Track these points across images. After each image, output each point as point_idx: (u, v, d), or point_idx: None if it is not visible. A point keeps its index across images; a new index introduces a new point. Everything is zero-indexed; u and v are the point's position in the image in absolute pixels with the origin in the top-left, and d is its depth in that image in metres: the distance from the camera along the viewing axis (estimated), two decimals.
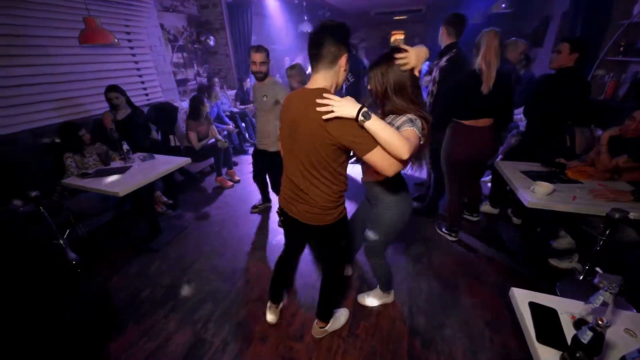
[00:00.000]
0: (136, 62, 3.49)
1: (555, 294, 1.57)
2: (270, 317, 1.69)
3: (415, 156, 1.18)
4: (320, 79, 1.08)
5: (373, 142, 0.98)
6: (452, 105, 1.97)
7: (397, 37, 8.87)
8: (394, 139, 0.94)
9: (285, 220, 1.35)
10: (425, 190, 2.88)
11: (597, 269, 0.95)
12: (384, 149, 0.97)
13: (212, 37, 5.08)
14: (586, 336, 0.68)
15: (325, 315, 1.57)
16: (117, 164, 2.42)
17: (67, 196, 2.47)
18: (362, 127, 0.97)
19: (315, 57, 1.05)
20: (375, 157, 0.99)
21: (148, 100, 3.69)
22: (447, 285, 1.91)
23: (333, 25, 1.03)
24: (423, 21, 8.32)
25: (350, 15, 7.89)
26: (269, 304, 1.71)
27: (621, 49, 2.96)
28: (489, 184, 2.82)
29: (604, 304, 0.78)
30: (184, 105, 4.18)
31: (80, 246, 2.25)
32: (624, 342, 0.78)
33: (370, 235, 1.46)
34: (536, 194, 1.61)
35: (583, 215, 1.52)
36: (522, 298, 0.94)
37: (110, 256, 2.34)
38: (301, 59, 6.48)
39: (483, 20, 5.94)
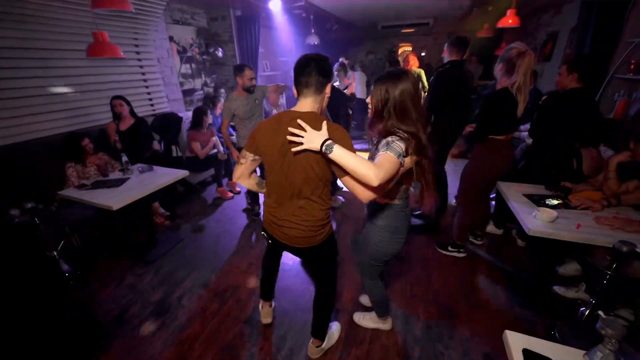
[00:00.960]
0: (143, 74, 3.56)
1: (554, 336, 1.49)
2: (265, 318, 1.76)
3: (404, 180, 1.20)
4: (309, 104, 1.14)
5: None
6: (491, 122, 1.95)
7: (405, 48, 8.89)
8: (359, 167, 0.95)
9: (273, 243, 1.34)
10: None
11: (600, 312, 0.87)
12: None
13: (220, 49, 5.19)
14: None
15: (321, 333, 1.54)
16: (116, 175, 2.44)
17: (65, 206, 2.50)
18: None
19: (305, 84, 1.11)
20: (347, 182, 1.07)
21: (153, 110, 3.75)
22: (445, 312, 1.82)
23: (320, 58, 1.12)
24: (430, 34, 8.33)
25: (357, 27, 7.97)
26: (261, 304, 1.77)
27: (632, 67, 2.87)
28: (493, 202, 2.74)
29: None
30: (188, 115, 4.24)
31: (75, 257, 2.25)
32: None
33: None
34: (538, 220, 1.53)
35: (588, 246, 1.43)
36: (516, 344, 0.87)
37: (103, 267, 2.33)
38: None
39: (492, 34, 5.92)
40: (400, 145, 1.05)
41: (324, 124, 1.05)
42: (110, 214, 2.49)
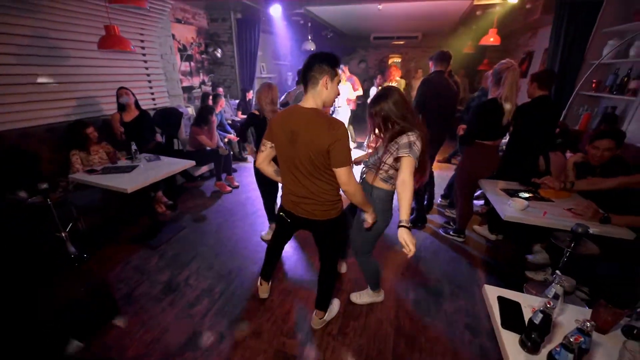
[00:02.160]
0: (147, 68, 3.65)
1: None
2: (262, 294, 1.93)
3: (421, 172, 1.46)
4: (310, 100, 1.29)
5: (348, 160, 1.23)
6: (480, 129, 2.23)
7: (394, 59, 9.33)
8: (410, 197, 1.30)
9: (292, 220, 1.51)
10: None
11: (557, 271, 1.10)
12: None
13: (219, 49, 5.35)
14: (537, 318, 0.82)
15: (324, 304, 1.71)
16: (123, 163, 2.53)
17: (71, 191, 2.55)
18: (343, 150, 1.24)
19: (305, 81, 1.28)
20: (340, 172, 1.25)
21: (155, 104, 3.84)
22: (432, 292, 2.04)
23: (320, 54, 1.26)
24: (419, 47, 8.81)
25: (351, 37, 8.33)
26: (260, 281, 1.93)
27: (593, 85, 3.28)
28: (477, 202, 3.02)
29: (556, 296, 0.93)
30: (187, 111, 4.34)
31: (81, 240, 2.32)
32: (571, 327, 0.92)
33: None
34: (512, 208, 1.79)
35: (553, 230, 1.70)
36: (492, 293, 1.09)
37: (109, 251, 2.41)
38: None
39: (475, 50, 6.40)
40: (418, 147, 1.33)
41: (328, 122, 1.21)
42: (116, 201, 2.60)
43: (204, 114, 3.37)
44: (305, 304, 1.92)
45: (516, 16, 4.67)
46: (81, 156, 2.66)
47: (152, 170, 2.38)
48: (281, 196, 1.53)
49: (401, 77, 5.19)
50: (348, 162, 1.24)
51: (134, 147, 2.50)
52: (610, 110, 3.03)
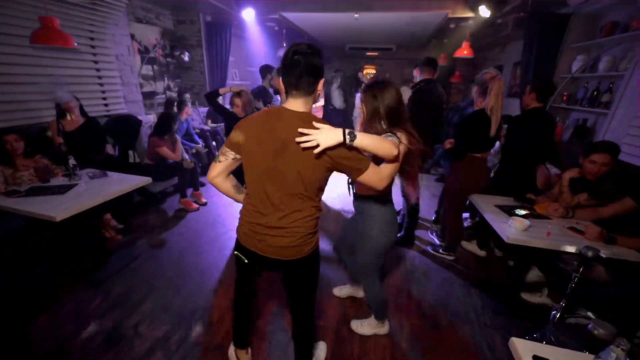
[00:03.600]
0: (98, 70, 3.19)
1: (536, 338, 1.56)
2: None
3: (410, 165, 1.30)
4: (301, 104, 1.04)
5: (365, 161, 1.03)
6: (470, 142, 2.09)
7: (369, 71, 9.42)
8: (382, 143, 1.04)
9: (252, 261, 1.17)
10: (401, 218, 2.87)
11: (590, 313, 0.91)
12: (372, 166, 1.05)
13: (187, 53, 4.94)
14: None
15: None
16: (59, 181, 2.08)
17: None
18: (352, 148, 1.00)
19: (294, 86, 1.00)
20: (368, 176, 1.04)
21: (107, 111, 3.36)
22: (428, 324, 1.82)
23: (309, 52, 0.98)
24: (394, 59, 8.97)
25: (327, 47, 8.27)
26: (234, 351, 1.48)
27: (565, 97, 3.37)
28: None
29: None
30: (149, 119, 3.88)
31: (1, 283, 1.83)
32: None
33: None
34: (513, 229, 1.63)
35: (557, 252, 1.56)
36: (524, 351, 0.87)
37: (38, 293, 1.92)
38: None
39: (447, 62, 6.56)
40: (405, 137, 1.21)
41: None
42: (48, 228, 2.11)
43: (164, 122, 2.97)
44: (286, 347, 1.60)
45: (488, 31, 4.81)
46: (4, 172, 2.15)
47: (95, 189, 1.95)
48: (238, 227, 1.19)
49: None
50: (367, 161, 1.04)
51: (72, 161, 2.06)
52: (582, 122, 3.10)
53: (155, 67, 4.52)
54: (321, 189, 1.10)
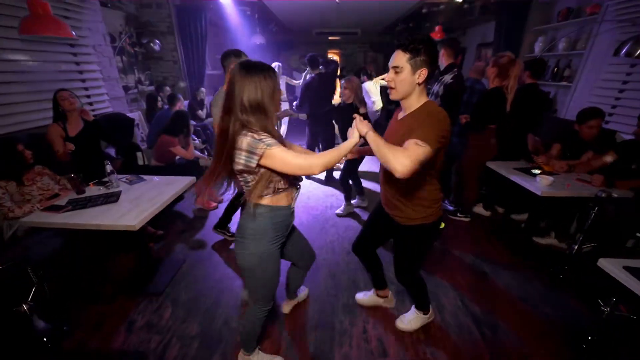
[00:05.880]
0: (77, 64, 2.78)
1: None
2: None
3: None
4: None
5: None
6: (489, 115, 2.35)
7: (334, 56, 9.52)
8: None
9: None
10: None
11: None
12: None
13: (157, 41, 4.46)
14: None
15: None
16: (94, 190, 1.86)
17: (8, 243, 1.76)
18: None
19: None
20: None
21: (92, 111, 2.96)
22: (476, 273, 2.14)
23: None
24: (356, 42, 9.19)
25: (294, 32, 8.10)
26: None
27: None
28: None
29: None
30: (137, 116, 3.51)
31: (46, 309, 1.62)
32: None
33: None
34: (540, 185, 1.99)
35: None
36: (615, 266, 1.17)
37: (92, 315, 1.75)
38: None
39: None
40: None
41: None
42: (82, 245, 1.91)
43: (181, 121, 2.75)
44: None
45: (454, 15, 5.25)
46: (10, 189, 1.85)
47: (147, 194, 1.80)
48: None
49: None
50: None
51: (109, 167, 1.85)
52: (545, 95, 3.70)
53: (124, 58, 4.02)
54: None
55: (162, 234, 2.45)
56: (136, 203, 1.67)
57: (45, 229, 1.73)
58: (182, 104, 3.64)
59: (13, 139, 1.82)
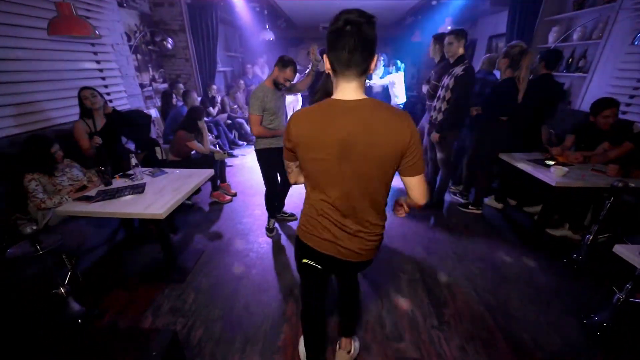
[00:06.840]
0: (98, 62, 2.88)
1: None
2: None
3: None
4: (356, 90, 0.88)
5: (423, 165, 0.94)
6: (502, 106, 2.34)
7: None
8: None
9: (324, 266, 1.10)
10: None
11: None
12: None
13: (169, 39, 4.56)
14: None
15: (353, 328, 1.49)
16: (119, 182, 1.96)
17: (42, 229, 1.86)
18: None
19: (346, 62, 0.84)
20: (419, 180, 0.95)
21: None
22: (490, 265, 2.16)
23: (363, 21, 0.80)
24: None
25: (300, 27, 8.12)
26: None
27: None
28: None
29: None
30: (151, 113, 3.62)
31: (78, 292, 1.73)
32: None
33: None
34: (555, 176, 2.00)
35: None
36: (631, 252, 1.19)
37: (121, 298, 1.85)
38: (258, 67, 6.34)
39: (424, 39, 6.90)
40: None
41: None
42: (109, 235, 2.01)
43: (196, 116, 2.83)
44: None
45: (465, 7, 5.18)
46: (42, 181, 1.96)
47: (169, 185, 1.89)
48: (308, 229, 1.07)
49: None
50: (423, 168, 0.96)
51: (134, 160, 1.94)
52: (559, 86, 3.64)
53: (139, 56, 4.13)
54: (385, 191, 1.02)
55: (177, 227, 2.55)
56: (161, 194, 1.75)
57: (76, 218, 1.83)
58: (196, 100, 3.73)
59: (50, 139, 1.91)
